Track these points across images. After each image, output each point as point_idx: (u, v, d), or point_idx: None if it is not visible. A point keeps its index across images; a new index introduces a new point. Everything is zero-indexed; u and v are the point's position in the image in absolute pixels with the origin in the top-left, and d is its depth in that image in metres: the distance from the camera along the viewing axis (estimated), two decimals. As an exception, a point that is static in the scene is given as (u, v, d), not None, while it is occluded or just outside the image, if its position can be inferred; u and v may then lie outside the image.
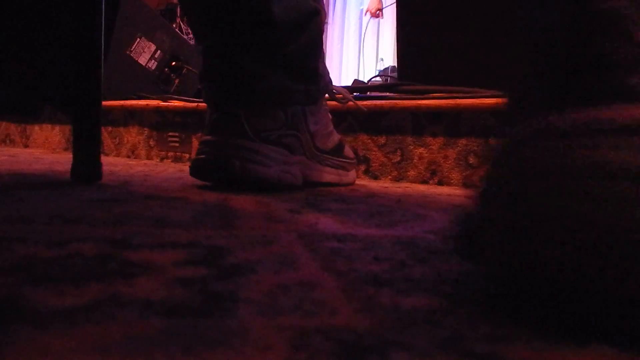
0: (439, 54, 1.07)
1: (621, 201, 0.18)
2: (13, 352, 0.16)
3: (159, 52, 1.47)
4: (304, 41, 0.68)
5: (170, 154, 1.18)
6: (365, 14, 3.51)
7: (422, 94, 0.94)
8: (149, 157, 1.21)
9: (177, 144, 1.16)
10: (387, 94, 1.04)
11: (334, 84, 0.79)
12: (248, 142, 0.64)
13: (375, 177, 0.89)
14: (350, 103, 0.82)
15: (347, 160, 0.78)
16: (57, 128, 1.43)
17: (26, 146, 1.51)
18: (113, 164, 1.01)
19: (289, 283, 0.25)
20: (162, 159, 1.18)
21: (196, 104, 1.14)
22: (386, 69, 2.72)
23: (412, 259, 0.31)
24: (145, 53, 1.44)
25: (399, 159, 0.87)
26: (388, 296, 0.23)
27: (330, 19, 3.79)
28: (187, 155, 1.15)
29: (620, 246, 0.18)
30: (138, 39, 1.42)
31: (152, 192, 0.60)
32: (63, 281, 0.24)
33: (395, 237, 0.38)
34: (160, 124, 1.19)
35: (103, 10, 0.64)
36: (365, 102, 0.88)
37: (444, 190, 0.76)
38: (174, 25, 2.24)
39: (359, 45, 3.80)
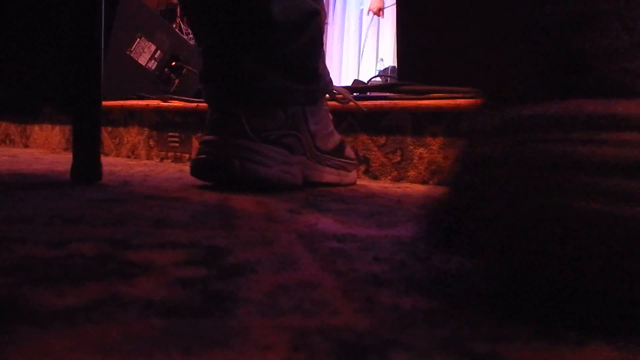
0: (439, 54, 1.07)
1: (580, 192, 0.19)
2: (13, 352, 0.16)
3: (159, 52, 1.47)
4: (304, 41, 0.68)
5: (170, 154, 1.18)
6: (368, 14, 3.51)
7: (422, 94, 0.94)
8: (149, 157, 1.21)
9: (177, 144, 1.16)
10: (387, 94, 1.04)
11: (334, 84, 0.79)
12: (248, 142, 0.64)
13: (375, 177, 0.89)
14: (351, 103, 0.82)
15: (348, 161, 0.78)
16: (57, 128, 1.43)
17: (26, 146, 1.51)
18: (113, 164, 1.01)
19: (289, 283, 0.25)
20: (162, 159, 1.18)
21: (196, 104, 1.14)
22: (386, 69, 2.72)
23: (412, 259, 0.31)
24: (145, 53, 1.45)
25: (399, 159, 0.87)
26: (388, 296, 0.23)
27: (330, 19, 3.79)
28: (187, 156, 1.15)
29: (583, 235, 0.19)
30: (138, 39, 1.42)
31: (152, 192, 0.60)
32: (63, 281, 0.24)
33: (395, 237, 0.38)
34: (160, 124, 1.19)
35: (103, 10, 0.64)
36: (365, 102, 0.88)
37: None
38: (174, 26, 2.24)
39: (359, 46, 3.80)
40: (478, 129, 0.24)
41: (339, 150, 0.76)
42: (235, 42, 0.66)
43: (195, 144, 1.13)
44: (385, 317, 0.21)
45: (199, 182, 0.69)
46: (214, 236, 0.36)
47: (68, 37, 0.63)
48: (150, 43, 1.45)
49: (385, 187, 0.77)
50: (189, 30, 1.82)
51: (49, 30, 0.67)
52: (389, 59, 3.44)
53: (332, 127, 0.77)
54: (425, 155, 0.85)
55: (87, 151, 0.65)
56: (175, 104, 1.18)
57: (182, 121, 1.16)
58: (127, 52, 1.40)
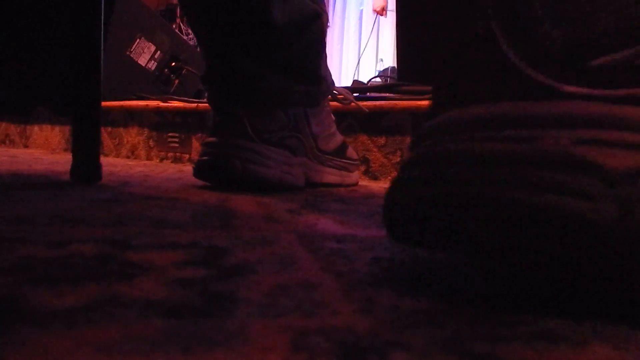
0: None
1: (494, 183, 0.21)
2: (13, 352, 0.16)
3: (158, 52, 1.47)
4: (305, 43, 0.69)
5: (170, 154, 1.18)
6: (373, 13, 3.51)
7: (422, 95, 0.94)
8: (148, 158, 1.21)
9: (176, 145, 1.16)
10: (387, 94, 1.04)
11: (334, 84, 0.79)
12: (249, 143, 0.64)
13: (375, 178, 0.89)
14: (352, 104, 0.83)
15: (350, 162, 0.78)
16: (57, 128, 1.43)
17: (26, 146, 1.51)
18: (113, 164, 1.01)
19: (289, 283, 0.25)
20: (161, 160, 1.18)
21: (196, 104, 1.14)
22: (386, 69, 2.72)
23: (412, 259, 0.31)
24: (145, 54, 1.45)
25: (399, 159, 0.87)
26: (388, 296, 0.23)
27: (330, 20, 3.79)
28: (186, 156, 1.15)
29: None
30: (138, 40, 1.42)
31: (152, 192, 0.60)
32: (63, 281, 0.24)
33: (395, 237, 0.38)
34: (160, 124, 1.19)
35: (102, 11, 0.64)
36: (365, 103, 0.88)
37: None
38: (174, 26, 2.24)
39: (359, 46, 3.80)
40: (419, 130, 0.26)
41: (340, 151, 0.76)
42: (235, 43, 0.66)
43: (195, 144, 1.13)
44: (385, 317, 0.21)
45: (199, 182, 0.69)
46: (214, 236, 0.36)
47: (67, 37, 0.63)
48: (150, 43, 1.45)
49: (385, 188, 0.77)
50: (189, 31, 1.82)
51: (49, 31, 0.67)
52: (389, 59, 3.44)
53: (334, 128, 0.77)
54: (425, 155, 0.85)
55: (86, 151, 0.65)
56: (175, 105, 1.18)
57: (181, 121, 1.16)
58: (127, 53, 1.40)
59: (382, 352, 0.17)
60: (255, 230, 0.39)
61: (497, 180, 0.21)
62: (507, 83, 0.23)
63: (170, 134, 1.17)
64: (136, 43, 1.42)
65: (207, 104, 0.89)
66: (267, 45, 0.66)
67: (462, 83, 0.25)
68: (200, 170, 0.66)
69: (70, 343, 0.17)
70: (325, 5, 0.74)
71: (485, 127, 0.22)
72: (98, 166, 0.65)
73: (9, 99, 0.73)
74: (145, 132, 1.22)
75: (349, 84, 1.97)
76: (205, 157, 0.65)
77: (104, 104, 0.68)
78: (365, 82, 1.67)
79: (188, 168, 0.97)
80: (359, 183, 0.82)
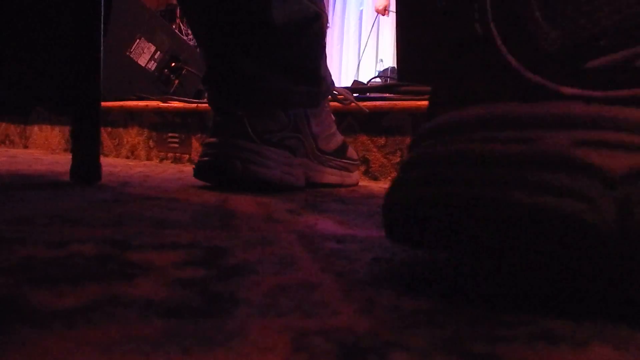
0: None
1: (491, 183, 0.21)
2: (13, 352, 0.16)
3: (158, 52, 1.47)
4: (305, 44, 0.69)
5: (170, 154, 1.18)
6: (376, 13, 3.51)
7: (422, 95, 0.94)
8: (148, 158, 1.21)
9: (176, 145, 1.16)
10: (387, 94, 1.04)
11: (335, 85, 0.79)
12: (249, 144, 0.64)
13: (375, 178, 0.89)
14: (352, 104, 0.83)
15: (350, 162, 0.78)
16: (56, 129, 1.43)
17: (26, 147, 1.51)
18: (112, 164, 1.01)
19: (288, 284, 0.25)
20: (161, 160, 1.18)
21: (196, 104, 1.14)
22: (386, 69, 2.72)
23: (412, 260, 0.31)
24: (144, 54, 1.45)
25: (398, 159, 0.87)
26: (388, 297, 0.23)
27: (330, 20, 3.79)
28: (186, 156, 1.15)
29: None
30: (138, 40, 1.42)
31: (152, 192, 0.60)
32: (63, 282, 0.24)
33: (395, 237, 0.38)
34: (159, 124, 1.19)
35: (102, 11, 0.64)
36: (365, 103, 0.88)
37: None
38: (174, 26, 2.24)
39: (359, 46, 3.80)
40: (419, 131, 0.26)
41: (341, 151, 0.76)
42: (235, 43, 0.66)
43: (195, 144, 1.13)
44: (385, 317, 0.21)
45: (199, 182, 0.69)
46: (214, 237, 0.36)
47: (67, 37, 0.63)
48: (150, 44, 1.45)
49: (385, 188, 0.77)
50: (189, 31, 1.82)
51: (49, 31, 0.67)
52: (389, 60, 3.44)
53: (334, 129, 0.77)
54: (425, 155, 0.85)
55: (86, 152, 0.65)
56: (175, 105, 1.18)
57: (181, 122, 1.16)
58: (127, 53, 1.40)
59: (382, 352, 0.17)
60: (255, 230, 0.39)
61: (496, 181, 0.21)
62: (505, 84, 0.23)
63: (170, 134, 1.17)
64: (136, 43, 1.42)
65: (207, 104, 0.89)
66: (267, 45, 0.66)
67: (461, 84, 0.25)
68: (200, 170, 0.66)
69: (70, 343, 0.17)
70: (324, 6, 0.74)
71: (484, 128, 0.22)
72: (98, 166, 0.65)
73: (7, 99, 0.72)
74: (145, 132, 1.22)
75: (349, 84, 1.97)
76: (205, 158, 0.65)
77: (103, 104, 0.68)
78: (365, 82, 1.67)
79: (188, 168, 0.97)
80: (359, 183, 0.82)
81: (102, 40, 0.64)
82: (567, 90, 0.21)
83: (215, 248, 0.32)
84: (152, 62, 1.47)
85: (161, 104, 1.20)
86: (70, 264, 0.27)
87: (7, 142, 1.57)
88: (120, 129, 1.27)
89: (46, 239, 0.32)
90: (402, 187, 0.25)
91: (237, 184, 0.64)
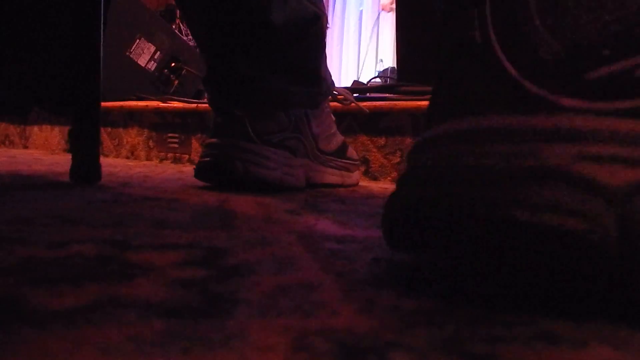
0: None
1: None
2: (13, 352, 0.16)
3: (158, 53, 1.47)
4: (305, 45, 0.69)
5: (170, 155, 1.18)
6: (382, 11, 3.51)
7: (422, 95, 0.94)
8: (148, 158, 1.21)
9: (176, 145, 1.16)
10: (387, 95, 1.04)
11: (335, 85, 0.79)
12: (250, 145, 0.64)
13: (375, 178, 0.89)
14: (352, 104, 0.83)
15: (351, 162, 0.78)
16: (56, 129, 1.43)
17: (25, 147, 1.51)
18: (112, 165, 1.01)
19: (288, 284, 0.25)
20: (161, 160, 1.18)
21: (196, 104, 1.14)
22: (386, 69, 2.72)
23: (411, 260, 0.31)
24: (144, 54, 1.45)
25: (398, 160, 0.87)
26: (388, 297, 0.23)
27: (329, 21, 3.79)
28: (186, 156, 1.15)
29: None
30: (137, 40, 1.42)
31: (152, 193, 0.60)
32: (63, 282, 0.24)
33: (395, 237, 0.38)
34: (159, 125, 1.19)
35: (102, 11, 0.64)
36: (364, 103, 0.88)
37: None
38: (174, 26, 2.24)
39: (359, 46, 3.80)
40: (416, 141, 0.26)
41: (341, 151, 0.77)
42: (235, 44, 0.66)
43: (195, 144, 1.13)
44: (385, 318, 0.21)
45: (199, 182, 0.69)
46: (214, 237, 0.36)
47: (67, 37, 0.63)
48: (149, 44, 1.45)
49: (385, 188, 0.77)
50: (189, 31, 1.81)
51: (48, 31, 0.67)
52: (389, 60, 3.44)
53: (334, 129, 0.77)
54: (425, 156, 0.85)
55: (86, 152, 0.65)
56: (175, 105, 1.18)
57: (181, 122, 1.16)
58: (127, 53, 1.40)
59: (382, 352, 0.17)
60: (255, 230, 0.39)
61: (497, 198, 0.20)
62: (503, 93, 0.22)
63: (170, 135, 1.17)
64: (136, 43, 1.42)
65: (207, 105, 0.89)
66: (267, 46, 0.66)
67: (458, 91, 0.24)
68: (201, 171, 0.66)
69: (70, 343, 0.17)
70: (324, 7, 0.74)
71: (482, 141, 0.22)
72: (98, 167, 0.65)
73: (7, 99, 0.72)
74: (145, 132, 1.22)
75: (349, 84, 1.97)
76: (206, 159, 0.65)
77: (103, 104, 0.68)
78: (365, 82, 1.67)
79: (188, 169, 0.97)
80: (359, 183, 0.82)
81: (102, 40, 0.64)
82: (567, 101, 0.21)
83: (215, 248, 0.32)
84: (152, 62, 1.47)
85: (161, 104, 1.20)
86: (70, 264, 0.27)
87: (6, 142, 1.57)
88: (120, 129, 1.27)
89: (46, 239, 0.32)
90: (401, 201, 0.25)
91: (238, 184, 0.64)
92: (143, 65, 1.45)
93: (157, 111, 1.19)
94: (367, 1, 3.78)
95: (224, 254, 0.30)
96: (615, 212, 0.19)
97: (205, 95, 0.84)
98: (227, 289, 0.24)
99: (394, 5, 3.35)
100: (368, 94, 1.09)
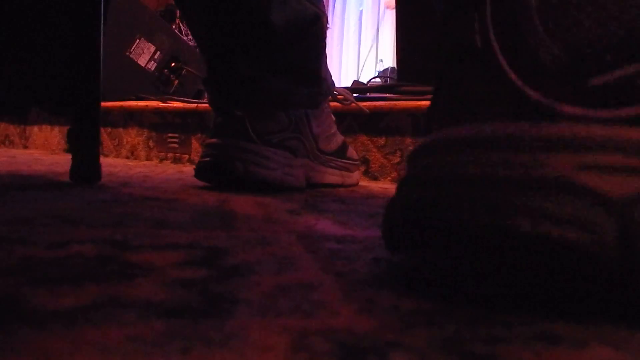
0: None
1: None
2: (13, 352, 0.16)
3: (158, 53, 1.47)
4: (305, 45, 0.69)
5: (170, 155, 1.18)
6: (388, 9, 3.51)
7: (422, 95, 0.94)
8: (148, 158, 1.21)
9: (176, 145, 1.16)
10: (387, 94, 1.04)
11: (335, 85, 0.79)
12: (250, 145, 0.64)
13: (375, 178, 0.89)
14: (352, 104, 0.83)
15: (351, 162, 0.78)
16: (56, 129, 1.43)
17: (25, 147, 1.51)
18: (112, 165, 1.01)
19: (288, 284, 0.25)
20: (161, 160, 1.18)
21: (196, 104, 1.14)
22: (386, 69, 2.72)
23: (412, 260, 0.31)
24: (144, 54, 1.45)
25: (398, 160, 0.87)
26: (388, 297, 0.23)
27: (329, 21, 3.79)
28: (186, 156, 1.15)
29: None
30: (137, 40, 1.42)
31: (152, 193, 0.60)
32: (63, 282, 0.24)
33: (395, 237, 0.38)
34: (159, 125, 1.19)
35: (102, 11, 0.64)
36: (364, 103, 0.88)
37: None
38: (174, 26, 2.24)
39: (358, 46, 3.80)
40: (416, 147, 0.26)
41: (341, 151, 0.77)
42: (235, 44, 0.66)
43: (195, 144, 1.13)
44: (385, 318, 0.21)
45: (199, 182, 0.69)
46: (214, 237, 0.36)
47: (67, 37, 0.63)
48: (149, 44, 1.45)
49: (385, 188, 0.77)
50: (189, 31, 1.81)
51: (48, 31, 0.67)
52: (389, 60, 3.44)
53: (334, 129, 0.77)
54: (425, 156, 0.85)
55: (86, 152, 0.65)
56: (175, 105, 1.18)
57: (181, 122, 1.16)
58: (127, 53, 1.40)
59: (382, 352, 0.17)
60: (255, 230, 0.39)
61: (496, 205, 0.20)
62: (503, 99, 0.22)
63: (169, 135, 1.17)
64: (136, 43, 1.42)
65: (206, 105, 0.89)
66: (267, 46, 0.66)
67: (458, 97, 0.24)
68: (201, 171, 0.66)
69: (70, 343, 0.17)
70: (324, 7, 0.74)
71: (483, 149, 0.22)
72: (98, 167, 0.65)
73: (6, 100, 0.72)
74: (145, 132, 1.22)
75: (349, 84, 1.97)
76: (207, 159, 0.65)
77: (103, 104, 0.68)
78: (365, 82, 1.67)
79: (188, 168, 0.97)
80: (359, 183, 0.82)
81: (102, 40, 0.64)
82: (569, 109, 0.21)
83: (215, 248, 0.32)
84: (152, 62, 1.47)
85: (161, 104, 1.20)
86: (70, 264, 0.27)
87: (6, 142, 1.57)
88: (120, 129, 1.26)
89: (46, 239, 0.32)
90: (401, 204, 0.25)
91: (238, 184, 0.64)
92: (143, 65, 1.45)
93: (157, 111, 1.19)
94: (367, 1, 3.79)
95: (224, 254, 0.30)
96: (616, 222, 0.19)
97: (206, 95, 0.84)
98: (227, 289, 0.24)
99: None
100: (368, 94, 1.09)
